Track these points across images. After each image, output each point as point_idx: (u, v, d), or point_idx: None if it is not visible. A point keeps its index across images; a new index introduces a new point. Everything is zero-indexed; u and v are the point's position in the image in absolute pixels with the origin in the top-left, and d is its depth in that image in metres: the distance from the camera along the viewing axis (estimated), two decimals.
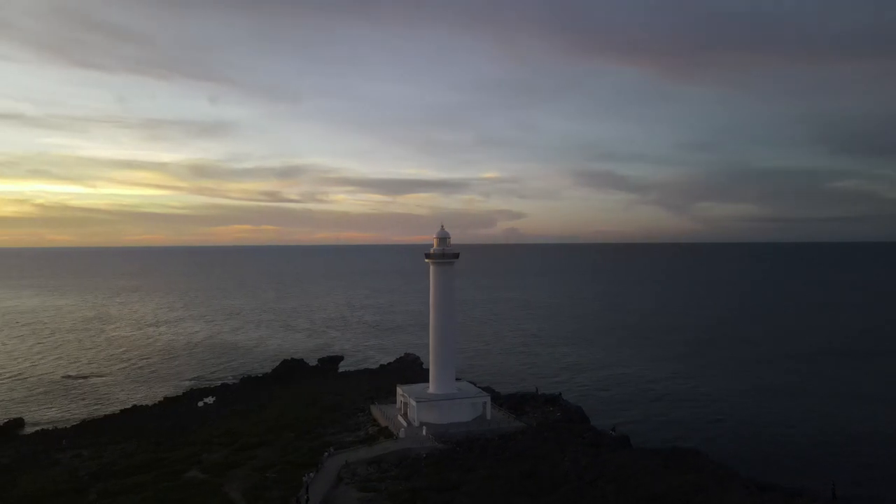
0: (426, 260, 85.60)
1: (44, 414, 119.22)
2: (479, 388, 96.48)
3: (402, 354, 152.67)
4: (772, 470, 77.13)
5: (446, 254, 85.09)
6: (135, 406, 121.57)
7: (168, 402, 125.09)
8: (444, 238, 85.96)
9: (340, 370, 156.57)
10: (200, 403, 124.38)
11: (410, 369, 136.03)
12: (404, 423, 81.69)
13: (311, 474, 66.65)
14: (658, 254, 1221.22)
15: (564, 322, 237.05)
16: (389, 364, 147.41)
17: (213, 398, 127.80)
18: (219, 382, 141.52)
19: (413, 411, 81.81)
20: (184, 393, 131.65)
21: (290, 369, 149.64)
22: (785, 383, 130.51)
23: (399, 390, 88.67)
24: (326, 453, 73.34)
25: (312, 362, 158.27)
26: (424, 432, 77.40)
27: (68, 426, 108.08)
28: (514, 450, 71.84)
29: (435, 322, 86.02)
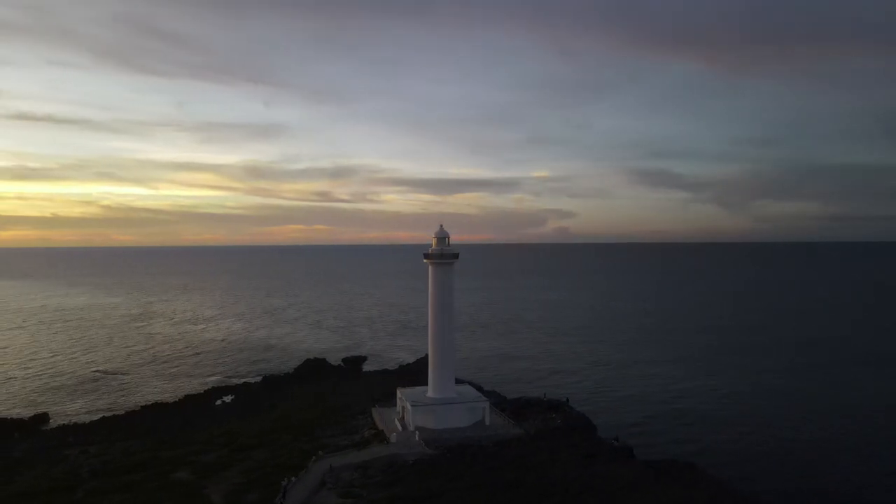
0: (424, 260, 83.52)
1: (68, 409, 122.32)
2: (483, 391, 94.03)
3: (425, 355, 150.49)
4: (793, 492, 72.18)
5: (445, 254, 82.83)
6: (155, 403, 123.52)
7: (188, 399, 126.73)
8: (442, 238, 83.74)
9: (364, 370, 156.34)
10: (218, 402, 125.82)
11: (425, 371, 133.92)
12: (399, 428, 79.95)
13: (292, 479, 65.59)
14: (714, 254, 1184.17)
15: (597, 324, 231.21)
16: (409, 365, 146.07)
17: (232, 397, 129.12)
18: (240, 381, 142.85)
19: (409, 415, 79.93)
20: (205, 391, 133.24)
21: (313, 368, 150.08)
22: (833, 397, 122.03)
23: (399, 393, 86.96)
24: (314, 457, 72.24)
25: (336, 362, 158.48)
26: (417, 437, 75.43)
27: (86, 422, 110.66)
28: (505, 458, 69.14)
29: (434, 324, 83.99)
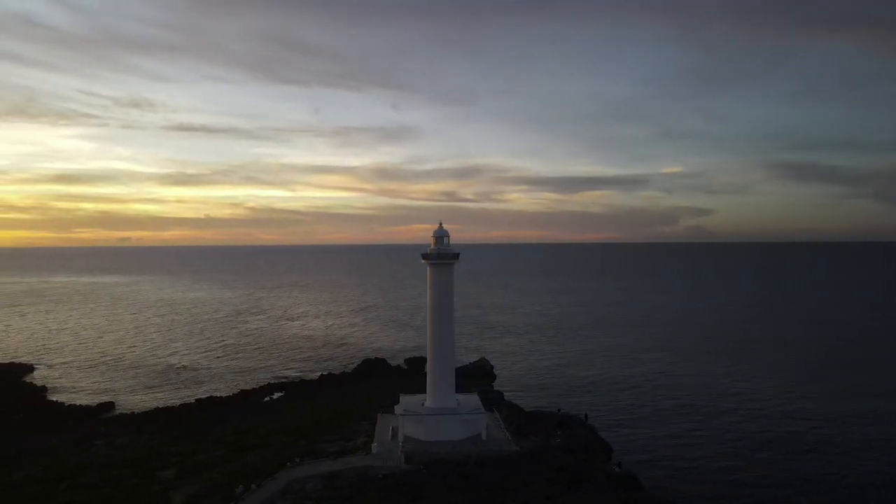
0: (423, 261, 78.73)
1: (135, 398, 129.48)
2: (501, 400, 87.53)
3: (478, 359, 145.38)
4: None
5: (443, 254, 77.62)
6: (209, 397, 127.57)
7: (241, 395, 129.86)
8: (441, 237, 78.55)
9: (425, 371, 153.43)
10: (267, 399, 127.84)
11: (472, 375, 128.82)
12: (389, 437, 75.95)
13: (253, 486, 63.65)
14: (872, 255, 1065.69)
15: (680, 331, 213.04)
16: (461, 368, 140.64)
17: (282, 394, 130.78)
18: (299, 378, 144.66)
19: (399, 425, 75.73)
20: (260, 387, 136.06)
21: (371, 368, 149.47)
22: None
23: (401, 400, 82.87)
24: (289, 463, 70.04)
25: (397, 362, 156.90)
26: (400, 449, 71.02)
27: (139, 412, 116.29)
28: (480, 479, 63.09)
29: (432, 329, 79.17)
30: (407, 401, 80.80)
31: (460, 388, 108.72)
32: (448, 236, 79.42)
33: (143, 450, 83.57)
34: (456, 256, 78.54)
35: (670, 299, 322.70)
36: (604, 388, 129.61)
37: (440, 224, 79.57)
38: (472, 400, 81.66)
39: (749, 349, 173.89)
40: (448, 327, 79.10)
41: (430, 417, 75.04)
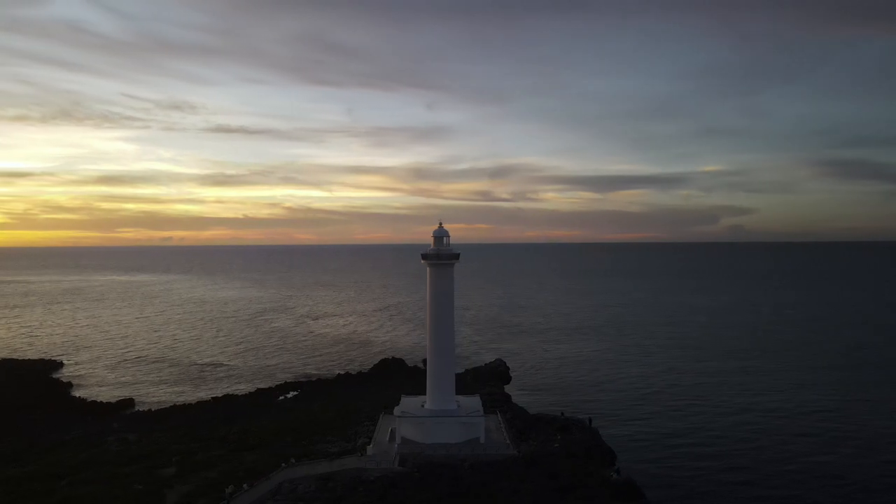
0: (422, 261, 77.87)
1: (154, 394, 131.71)
2: (507, 404, 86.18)
3: (494, 360, 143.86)
4: None
5: (442, 254, 76.63)
6: (226, 395, 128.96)
7: (257, 393, 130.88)
8: (440, 237, 77.58)
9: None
10: (281, 397, 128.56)
11: (485, 376, 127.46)
12: (386, 438, 75.34)
13: (244, 486, 63.64)
14: None
15: (710, 335, 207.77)
16: (477, 369, 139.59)
17: (296, 392, 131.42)
18: (315, 377, 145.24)
19: (397, 427, 75.06)
20: (276, 386, 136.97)
21: (388, 368, 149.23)
22: None
23: (402, 401, 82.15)
24: (284, 464, 69.91)
25: (415, 362, 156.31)
26: (395, 451, 70.32)
27: (155, 409, 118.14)
28: (471, 483, 61.98)
29: (431, 330, 78.25)
30: (407, 402, 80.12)
31: (471, 388, 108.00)
32: (448, 236, 78.46)
33: (150, 447, 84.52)
34: (456, 257, 77.49)
35: (705, 301, 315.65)
36: (619, 391, 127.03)
37: (440, 224, 78.69)
38: (473, 402, 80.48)
39: (780, 356, 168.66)
40: (448, 328, 78.13)
41: (428, 419, 74.21)
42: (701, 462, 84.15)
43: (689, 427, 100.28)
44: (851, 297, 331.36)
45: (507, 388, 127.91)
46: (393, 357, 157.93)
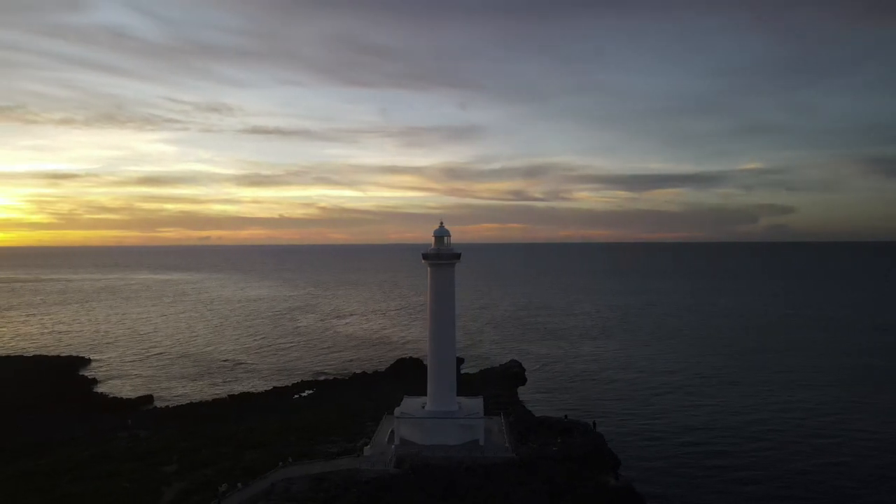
0: (423, 261, 77.19)
1: (174, 391, 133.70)
2: (512, 406, 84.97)
3: (508, 361, 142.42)
4: None
5: (442, 254, 75.83)
6: (242, 393, 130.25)
7: (273, 392, 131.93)
8: (441, 237, 76.79)
9: (464, 371, 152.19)
10: (296, 396, 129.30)
11: (498, 377, 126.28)
12: (385, 439, 74.90)
13: (239, 485, 63.91)
14: None
15: (738, 338, 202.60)
16: (491, 370, 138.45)
17: (311, 391, 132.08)
18: (332, 377, 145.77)
19: (396, 427, 74.56)
20: (292, 384, 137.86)
21: (405, 368, 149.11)
22: None
23: (403, 402, 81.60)
24: (281, 463, 70.04)
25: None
26: (392, 452, 69.79)
27: (172, 406, 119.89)
28: (464, 486, 61.13)
29: (432, 331, 77.54)
30: (408, 403, 79.53)
31: (480, 390, 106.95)
32: (449, 236, 77.62)
33: (158, 444, 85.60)
34: (457, 257, 76.60)
35: (737, 302, 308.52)
36: (635, 396, 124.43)
37: (441, 223, 77.93)
38: (475, 404, 79.47)
39: (810, 361, 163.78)
40: (448, 329, 77.34)
41: (426, 421, 73.48)
42: (711, 472, 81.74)
43: (705, 437, 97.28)
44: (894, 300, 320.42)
45: (521, 390, 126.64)
46: (410, 357, 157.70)
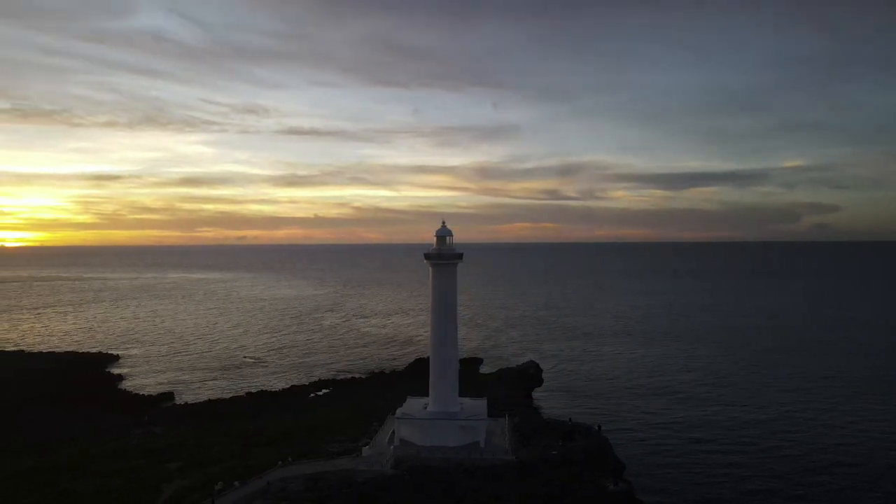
0: (425, 261, 76.86)
1: (192, 390, 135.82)
2: (520, 407, 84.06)
3: (526, 362, 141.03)
4: None
5: (444, 254, 75.37)
6: (260, 391, 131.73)
7: (290, 390, 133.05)
8: (443, 237, 76.33)
9: (481, 371, 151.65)
10: (312, 395, 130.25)
11: (513, 378, 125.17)
12: (386, 440, 74.76)
13: (236, 483, 64.48)
14: None
15: (768, 344, 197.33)
16: (507, 370, 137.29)
17: (327, 390, 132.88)
18: (350, 376, 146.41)
19: (396, 428, 74.40)
20: (310, 383, 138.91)
21: (422, 367, 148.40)
22: None
23: (406, 403, 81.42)
24: (280, 462, 70.44)
25: None
26: (390, 453, 69.60)
27: (191, 402, 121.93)
28: (460, 488, 60.58)
29: (434, 331, 77.20)
30: (411, 403, 79.29)
31: (492, 390, 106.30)
32: (451, 236, 77.11)
33: (169, 441, 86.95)
34: (459, 256, 76.08)
35: (775, 304, 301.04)
36: (651, 400, 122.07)
37: (443, 223, 77.47)
38: (477, 405, 78.83)
39: (840, 371, 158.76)
40: (451, 329, 76.94)
41: (427, 422, 73.11)
42: (722, 481, 79.61)
43: (717, 447, 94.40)
44: None
45: (536, 391, 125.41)
46: (427, 357, 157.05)
